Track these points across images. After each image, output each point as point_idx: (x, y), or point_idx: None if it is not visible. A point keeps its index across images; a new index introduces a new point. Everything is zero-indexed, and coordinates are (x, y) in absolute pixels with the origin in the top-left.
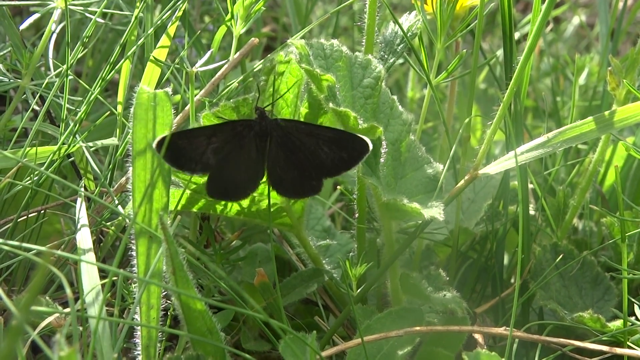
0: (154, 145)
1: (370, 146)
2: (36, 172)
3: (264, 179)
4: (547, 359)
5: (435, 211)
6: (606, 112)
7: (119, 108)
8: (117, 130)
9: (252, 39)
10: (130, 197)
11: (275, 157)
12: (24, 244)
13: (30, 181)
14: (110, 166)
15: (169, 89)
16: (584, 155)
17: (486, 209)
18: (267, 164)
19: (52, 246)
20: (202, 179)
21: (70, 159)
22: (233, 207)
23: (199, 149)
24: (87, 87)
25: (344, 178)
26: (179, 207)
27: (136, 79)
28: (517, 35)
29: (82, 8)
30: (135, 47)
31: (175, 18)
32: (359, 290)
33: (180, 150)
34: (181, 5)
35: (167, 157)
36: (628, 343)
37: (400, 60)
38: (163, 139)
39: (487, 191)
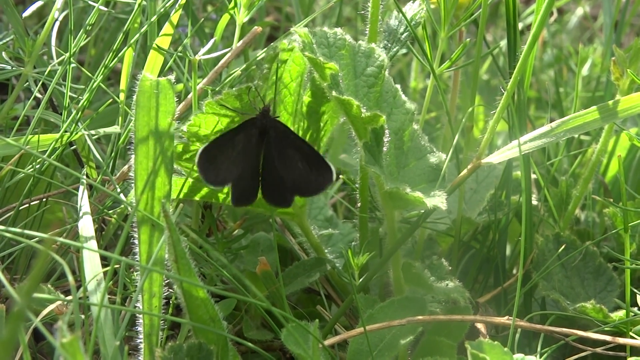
0: (196, 164)
1: (334, 179)
2: (38, 160)
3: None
4: (550, 349)
5: (437, 200)
6: (610, 102)
7: (122, 96)
8: (120, 118)
9: (255, 27)
10: (133, 185)
11: (267, 156)
12: (26, 231)
13: (32, 169)
14: (113, 154)
15: (172, 77)
16: (586, 146)
17: (489, 199)
18: (262, 161)
19: (54, 234)
20: None
21: (72, 147)
22: None
23: (226, 155)
24: (89, 75)
25: (346, 167)
26: (181, 196)
27: (139, 68)
28: (520, 25)
29: None
30: (138, 34)
31: (179, 6)
32: (361, 280)
33: (215, 162)
34: None
35: (206, 174)
36: (630, 333)
37: (404, 51)
38: (201, 154)
39: (490, 181)
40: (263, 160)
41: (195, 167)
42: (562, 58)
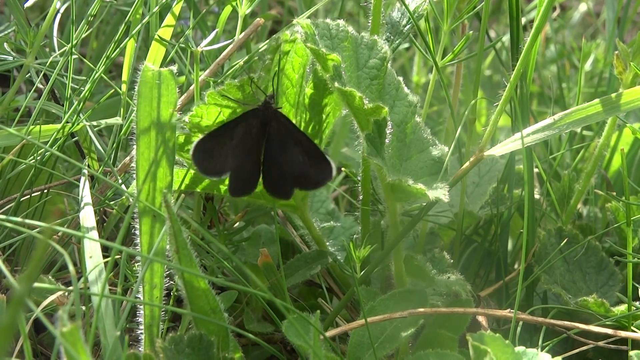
0: (191, 155)
1: (333, 174)
2: (40, 151)
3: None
4: (551, 342)
5: (440, 192)
6: (613, 95)
7: (123, 87)
8: (122, 109)
9: (258, 19)
10: (134, 176)
11: (268, 147)
12: (27, 220)
13: (33, 160)
14: (114, 145)
15: (174, 68)
16: (588, 141)
17: (491, 193)
18: (263, 152)
19: (54, 224)
20: None
21: (74, 139)
22: None
23: (225, 146)
24: (91, 66)
25: (348, 161)
26: (182, 187)
27: (140, 60)
28: (523, 20)
29: None
30: (140, 25)
31: None
32: (362, 272)
33: (212, 153)
34: None
35: (202, 166)
36: (632, 327)
37: (406, 45)
38: (197, 145)
39: (492, 175)
40: (264, 151)
41: (190, 157)
42: (565, 53)
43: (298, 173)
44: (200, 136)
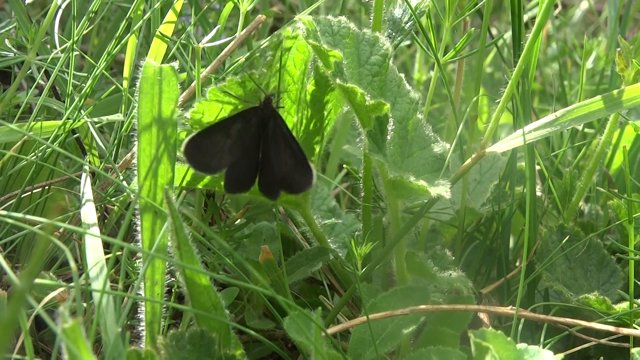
0: (182, 150)
1: (312, 184)
2: (41, 147)
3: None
4: (553, 340)
5: (441, 189)
6: (615, 91)
7: (125, 83)
8: (123, 106)
9: (260, 15)
10: (135, 173)
11: (264, 146)
12: (28, 216)
13: (34, 156)
14: (115, 142)
15: (175, 64)
16: (590, 138)
17: (492, 190)
18: (261, 150)
19: (56, 220)
20: None
21: (75, 135)
22: None
23: (219, 144)
24: (92, 62)
25: (349, 158)
26: (184, 184)
27: (141, 57)
28: (524, 17)
29: None
30: (141, 21)
31: None
32: (364, 269)
33: (205, 150)
34: None
35: (194, 161)
36: (634, 325)
37: (407, 42)
38: (188, 141)
39: (494, 172)
40: (262, 150)
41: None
42: (567, 51)
43: (284, 175)
44: (192, 133)
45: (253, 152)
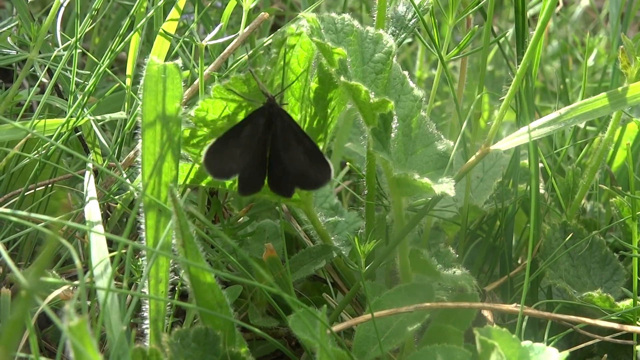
0: (203, 161)
1: (332, 177)
2: (44, 145)
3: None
4: (557, 337)
5: (445, 187)
6: (618, 89)
7: (128, 81)
8: (126, 104)
9: (262, 13)
10: (139, 171)
11: (273, 145)
12: (33, 214)
13: (37, 154)
14: (119, 140)
15: (179, 61)
16: (592, 136)
17: (495, 188)
18: (270, 149)
19: (61, 218)
20: None
21: (77, 133)
22: None
23: (233, 148)
24: (95, 60)
25: (352, 156)
26: (187, 181)
27: (144, 55)
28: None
29: None
30: (144, 19)
31: None
32: (367, 267)
33: (222, 157)
34: None
35: (213, 169)
36: (638, 322)
37: (409, 40)
38: (206, 151)
39: (497, 170)
40: (270, 148)
41: (201, 162)
42: (568, 48)
43: (299, 172)
44: (210, 142)
45: (263, 152)
